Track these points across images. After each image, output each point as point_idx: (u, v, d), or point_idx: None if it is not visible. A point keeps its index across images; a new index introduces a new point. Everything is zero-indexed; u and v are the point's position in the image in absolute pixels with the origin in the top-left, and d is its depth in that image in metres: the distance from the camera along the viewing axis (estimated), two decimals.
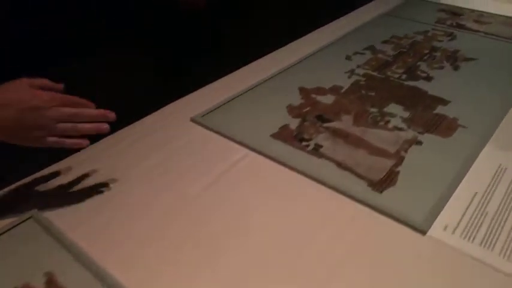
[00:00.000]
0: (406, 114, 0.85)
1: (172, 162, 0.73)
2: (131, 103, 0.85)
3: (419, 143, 0.78)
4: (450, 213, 0.63)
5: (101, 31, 0.94)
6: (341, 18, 1.33)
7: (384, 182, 0.68)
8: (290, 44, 1.15)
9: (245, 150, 0.76)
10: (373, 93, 0.93)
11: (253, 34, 1.13)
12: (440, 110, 0.87)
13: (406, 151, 0.75)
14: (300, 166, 0.71)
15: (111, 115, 0.61)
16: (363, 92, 0.94)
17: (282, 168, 0.72)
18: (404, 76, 1.00)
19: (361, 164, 0.72)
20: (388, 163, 0.72)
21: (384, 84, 0.97)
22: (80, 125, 0.59)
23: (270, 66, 1.03)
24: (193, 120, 0.84)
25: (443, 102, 0.90)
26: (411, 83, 0.97)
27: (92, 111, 0.60)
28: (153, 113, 0.86)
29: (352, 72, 1.02)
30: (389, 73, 1.02)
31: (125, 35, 0.99)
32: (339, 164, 0.72)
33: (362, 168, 0.71)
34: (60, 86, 0.61)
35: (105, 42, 0.95)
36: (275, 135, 0.80)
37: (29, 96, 0.55)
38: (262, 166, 0.72)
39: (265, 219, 0.62)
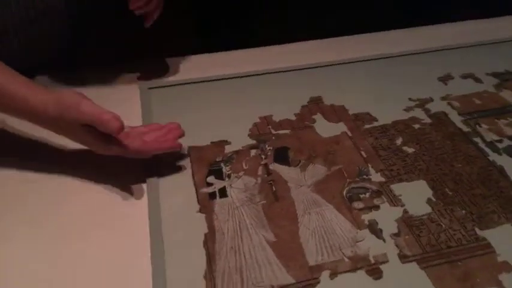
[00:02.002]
0: (422, 211, 0.46)
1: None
2: None
3: (376, 275, 0.41)
4: None
5: None
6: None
7: None
8: (382, 32, 0.77)
9: None
10: (410, 150, 0.54)
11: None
12: (497, 233, 0.44)
13: (334, 275, 0.40)
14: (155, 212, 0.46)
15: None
16: (398, 142, 0.55)
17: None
18: (506, 143, 0.55)
19: (236, 268, 0.42)
20: (270, 281, 0.40)
21: (449, 142, 0.55)
22: None
23: (309, 55, 0.71)
24: (141, 88, 0.64)
25: None
26: (504, 160, 0.53)
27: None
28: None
29: (422, 103, 0.62)
30: (482, 127, 0.58)
31: None
32: (207, 245, 0.43)
33: (224, 281, 0.41)
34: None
35: None
36: (194, 151, 0.54)
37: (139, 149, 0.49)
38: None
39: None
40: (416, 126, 0.58)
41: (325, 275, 0.40)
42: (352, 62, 0.70)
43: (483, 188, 0.49)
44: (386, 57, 0.71)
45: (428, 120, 0.59)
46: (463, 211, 0.46)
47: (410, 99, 0.63)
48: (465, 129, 0.57)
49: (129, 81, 0.66)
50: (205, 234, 0.44)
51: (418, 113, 0.60)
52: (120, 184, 0.50)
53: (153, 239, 0.43)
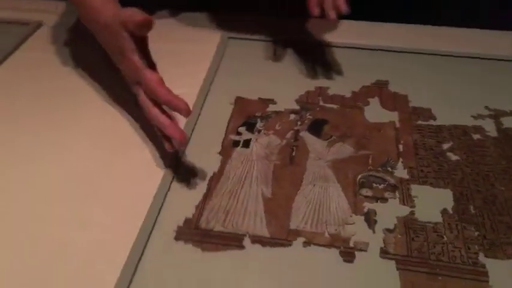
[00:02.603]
0: (431, 218, 0.44)
1: None
2: None
3: (348, 258, 0.41)
4: None
5: None
6: None
7: None
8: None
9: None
10: (454, 158, 0.50)
11: None
12: (502, 266, 0.40)
13: (307, 244, 0.42)
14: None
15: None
16: (444, 146, 0.51)
17: None
18: None
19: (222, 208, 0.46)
20: (247, 228, 0.43)
21: (504, 162, 0.49)
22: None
23: (396, 38, 0.68)
24: (222, 36, 0.69)
25: None
26: None
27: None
28: None
29: (497, 115, 0.55)
30: None
31: None
32: (211, 183, 0.48)
33: (210, 215, 0.45)
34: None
35: None
36: (239, 101, 0.58)
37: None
38: None
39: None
40: (476, 136, 0.53)
41: (299, 240, 0.42)
42: (439, 55, 0.64)
43: None
44: (482, 58, 0.64)
45: (494, 134, 0.53)
46: (476, 233, 0.43)
47: (486, 107, 0.57)
48: None
49: (219, 30, 0.71)
50: (214, 173, 0.48)
51: (487, 124, 0.54)
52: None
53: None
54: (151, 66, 0.47)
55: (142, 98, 0.47)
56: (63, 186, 0.47)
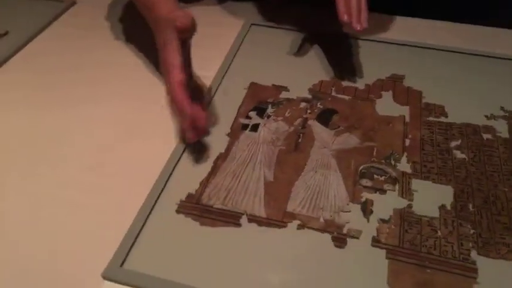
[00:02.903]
0: (428, 213, 0.44)
1: None
2: None
3: (339, 244, 0.42)
4: None
5: None
6: None
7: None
8: None
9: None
10: (460, 156, 0.50)
11: None
12: (494, 265, 0.40)
13: (301, 227, 0.43)
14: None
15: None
16: (452, 144, 0.51)
17: None
18: None
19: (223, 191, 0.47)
20: (246, 208, 0.44)
21: (511, 164, 0.49)
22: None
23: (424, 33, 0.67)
24: (245, 22, 0.71)
25: None
26: None
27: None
28: None
29: (509, 116, 0.55)
30: None
31: None
32: (217, 162, 0.50)
33: (212, 192, 0.47)
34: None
35: None
36: (253, 87, 0.59)
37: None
38: None
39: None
40: (487, 136, 0.52)
41: (294, 223, 0.43)
42: (459, 52, 0.64)
43: None
44: (504, 58, 0.62)
45: (505, 135, 0.52)
46: (472, 230, 0.43)
47: (502, 108, 0.56)
48: None
49: (244, 16, 0.73)
50: (220, 153, 0.50)
51: (499, 125, 0.54)
52: None
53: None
54: (184, 66, 0.49)
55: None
56: (77, 148, 0.51)
